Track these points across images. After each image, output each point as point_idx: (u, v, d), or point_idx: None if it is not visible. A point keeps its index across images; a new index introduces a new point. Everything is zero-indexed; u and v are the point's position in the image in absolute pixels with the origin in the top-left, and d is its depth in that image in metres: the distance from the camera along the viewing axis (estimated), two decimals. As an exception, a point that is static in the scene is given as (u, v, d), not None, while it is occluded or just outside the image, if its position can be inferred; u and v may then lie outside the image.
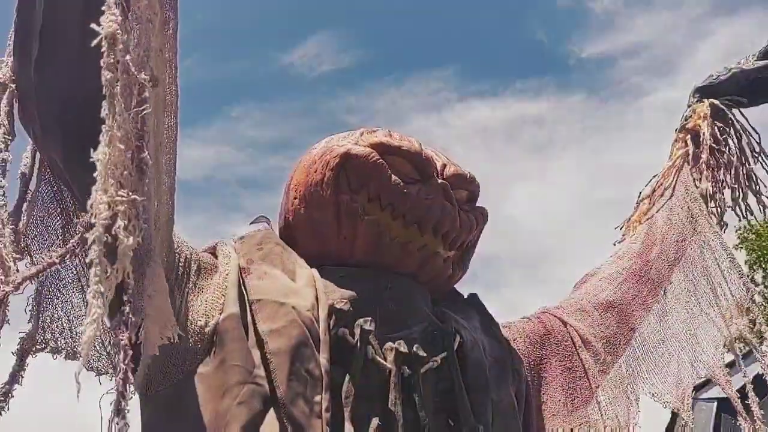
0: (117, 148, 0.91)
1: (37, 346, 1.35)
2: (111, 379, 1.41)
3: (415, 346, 1.29)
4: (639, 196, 2.11)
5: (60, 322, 1.39)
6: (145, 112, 0.96)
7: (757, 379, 1.77)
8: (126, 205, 0.92)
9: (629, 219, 2.10)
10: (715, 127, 2.03)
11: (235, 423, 1.16)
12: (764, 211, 2.06)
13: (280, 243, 1.45)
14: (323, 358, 1.22)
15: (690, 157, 2.03)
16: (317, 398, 1.18)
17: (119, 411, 0.96)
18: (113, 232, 0.91)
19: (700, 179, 2.01)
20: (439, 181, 1.43)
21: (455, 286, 1.64)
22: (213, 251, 1.41)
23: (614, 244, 2.04)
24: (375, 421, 1.21)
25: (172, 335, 1.14)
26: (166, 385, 1.23)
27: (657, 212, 2.01)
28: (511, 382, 1.47)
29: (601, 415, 1.69)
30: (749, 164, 2.06)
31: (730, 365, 1.86)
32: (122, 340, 1.00)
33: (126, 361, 0.98)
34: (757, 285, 13.78)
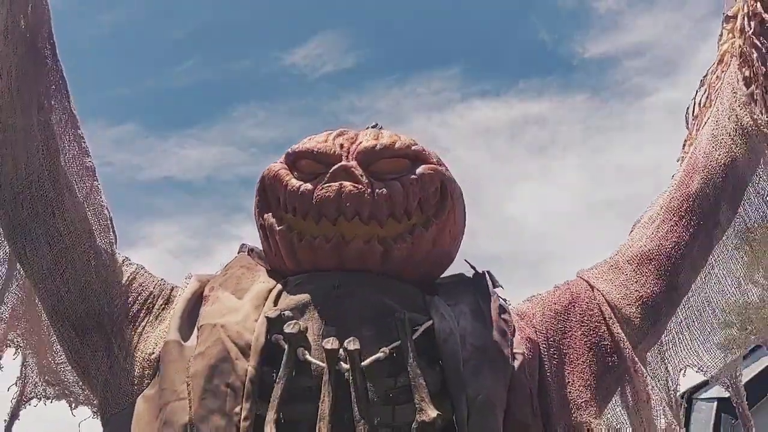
0: None
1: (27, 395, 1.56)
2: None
3: (349, 340, 1.25)
4: (688, 113, 1.66)
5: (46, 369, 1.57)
6: None
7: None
8: None
9: (683, 146, 1.68)
10: (760, 6, 1.50)
11: None
12: None
13: (246, 264, 1.50)
14: (251, 366, 1.24)
15: (738, 51, 1.52)
16: (237, 409, 1.21)
17: None
18: None
19: (751, 78, 1.48)
20: (337, 165, 1.39)
21: (474, 266, 1.54)
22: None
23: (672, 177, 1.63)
24: (302, 421, 1.21)
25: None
26: (119, 408, 1.37)
27: (702, 128, 1.56)
28: (500, 369, 1.35)
29: (634, 399, 1.44)
30: None
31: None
32: None
33: None
34: (756, 286, 13.68)
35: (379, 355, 1.25)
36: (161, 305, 1.47)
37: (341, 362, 1.23)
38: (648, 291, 1.47)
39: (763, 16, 1.47)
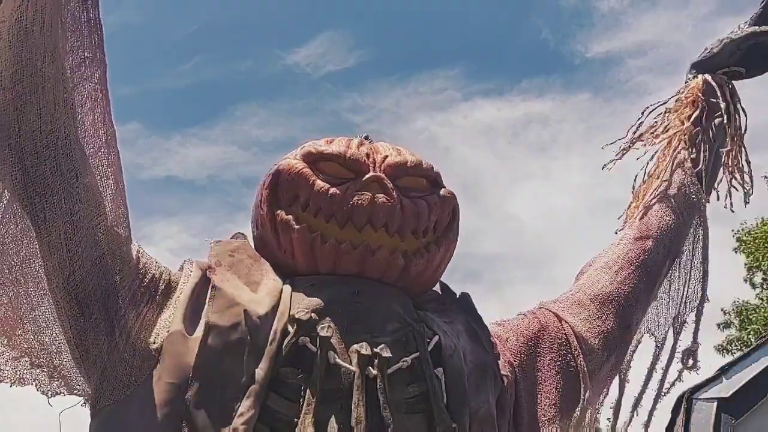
0: None
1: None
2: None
3: (381, 347, 1.27)
4: (634, 184, 2.02)
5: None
6: None
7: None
8: None
9: (629, 206, 2.00)
10: (706, 105, 1.91)
11: None
12: (746, 195, 1.98)
13: (253, 256, 1.47)
14: (260, 369, 1.23)
15: (686, 137, 1.92)
16: (236, 405, 1.20)
17: None
18: None
19: (696, 161, 1.90)
20: (370, 174, 1.42)
21: (448, 285, 1.61)
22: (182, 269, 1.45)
23: (616, 233, 1.94)
24: (333, 424, 1.21)
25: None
26: (113, 400, 1.29)
27: (654, 197, 1.90)
28: (492, 387, 1.43)
29: (589, 412, 1.65)
30: (738, 144, 1.95)
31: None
32: None
33: None
34: (755, 287, 13.82)
35: (402, 363, 1.28)
36: (163, 291, 1.39)
37: (369, 368, 1.25)
38: (608, 327, 1.69)
39: (705, 125, 1.90)
